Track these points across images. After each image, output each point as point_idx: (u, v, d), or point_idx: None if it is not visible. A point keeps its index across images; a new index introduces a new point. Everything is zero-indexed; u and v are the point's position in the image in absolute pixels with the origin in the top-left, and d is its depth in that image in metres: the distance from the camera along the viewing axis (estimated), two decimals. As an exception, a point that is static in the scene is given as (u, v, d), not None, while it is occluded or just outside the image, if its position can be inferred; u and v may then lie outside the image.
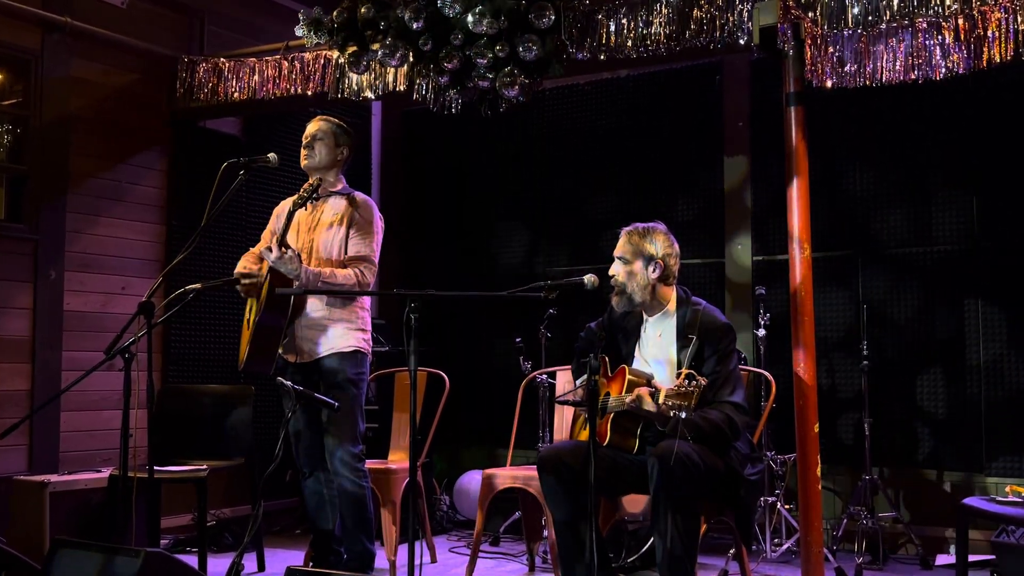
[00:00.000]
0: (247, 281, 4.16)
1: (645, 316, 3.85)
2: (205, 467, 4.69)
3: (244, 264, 4.34)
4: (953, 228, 5.38)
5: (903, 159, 5.53)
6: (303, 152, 4.36)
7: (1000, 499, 3.53)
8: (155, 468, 3.66)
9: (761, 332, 5.34)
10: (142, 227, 5.69)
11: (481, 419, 6.63)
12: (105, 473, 4.88)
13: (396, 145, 7.38)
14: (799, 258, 4.02)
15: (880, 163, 5.59)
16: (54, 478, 4.74)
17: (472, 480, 6.08)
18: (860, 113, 5.59)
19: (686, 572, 3.34)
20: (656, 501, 3.37)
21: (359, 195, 4.37)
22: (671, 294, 3.81)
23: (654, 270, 3.74)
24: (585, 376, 3.20)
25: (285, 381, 3.61)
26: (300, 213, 4.25)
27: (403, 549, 4.93)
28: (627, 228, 3.85)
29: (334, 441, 4.15)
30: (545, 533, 4.94)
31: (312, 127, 4.38)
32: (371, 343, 4.35)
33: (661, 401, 3.37)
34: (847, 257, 5.64)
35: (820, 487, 4.00)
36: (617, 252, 3.82)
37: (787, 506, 5.16)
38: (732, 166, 6.03)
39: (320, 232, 4.29)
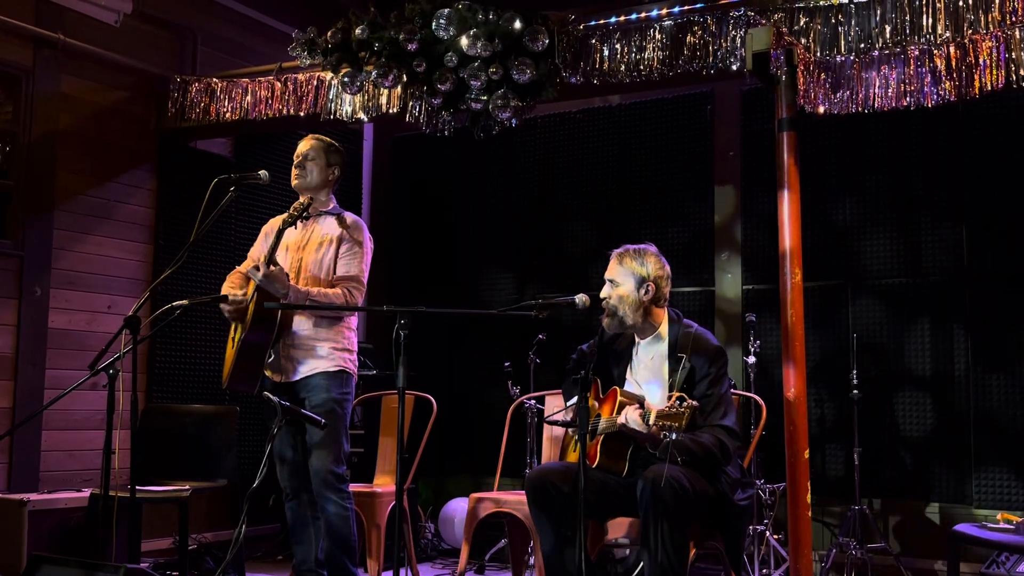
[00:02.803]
0: (232, 307, 4.11)
1: (636, 338, 3.83)
2: (187, 487, 4.62)
3: (230, 285, 4.29)
4: (943, 258, 5.39)
5: (893, 189, 5.54)
6: (294, 172, 4.31)
7: (991, 525, 3.50)
8: (136, 488, 3.59)
9: (751, 359, 5.32)
10: (129, 246, 5.64)
11: (467, 447, 6.56)
12: (85, 492, 4.80)
13: (387, 170, 7.37)
14: (790, 283, 4.00)
15: (870, 193, 5.61)
16: (33, 496, 4.66)
17: (458, 507, 6.01)
18: (850, 142, 5.61)
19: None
20: (646, 519, 3.33)
21: (349, 215, 4.33)
22: (663, 316, 3.79)
23: (645, 292, 3.72)
24: (576, 397, 3.16)
25: (272, 396, 3.56)
26: (289, 232, 4.21)
27: (387, 575, 4.87)
28: (618, 250, 3.84)
29: (318, 462, 4.08)
30: (532, 561, 4.88)
31: (304, 146, 4.34)
32: (357, 364, 4.31)
33: (651, 422, 3.33)
34: (837, 287, 5.64)
35: (810, 515, 3.96)
36: (608, 274, 3.80)
37: (776, 536, 5.11)
38: (722, 195, 6.04)
39: (310, 251, 4.25)
